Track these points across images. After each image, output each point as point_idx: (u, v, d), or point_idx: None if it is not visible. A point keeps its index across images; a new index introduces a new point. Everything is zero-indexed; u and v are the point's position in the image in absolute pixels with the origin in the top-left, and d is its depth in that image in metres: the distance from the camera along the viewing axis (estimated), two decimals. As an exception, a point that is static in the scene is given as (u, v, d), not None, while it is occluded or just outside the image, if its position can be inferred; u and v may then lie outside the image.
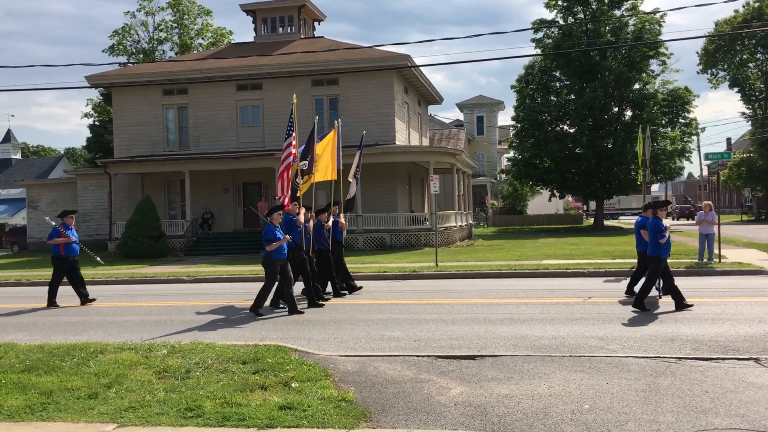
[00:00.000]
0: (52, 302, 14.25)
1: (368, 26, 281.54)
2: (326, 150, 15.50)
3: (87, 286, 14.87)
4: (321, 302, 12.89)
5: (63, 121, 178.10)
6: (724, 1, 16.15)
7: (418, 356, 7.97)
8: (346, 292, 14.54)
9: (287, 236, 12.20)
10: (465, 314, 11.30)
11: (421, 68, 33.96)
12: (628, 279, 13.60)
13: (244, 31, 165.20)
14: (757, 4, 56.68)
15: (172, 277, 19.76)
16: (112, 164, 31.99)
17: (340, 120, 19.40)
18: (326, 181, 15.90)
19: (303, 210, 13.36)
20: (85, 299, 14.40)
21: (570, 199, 75.20)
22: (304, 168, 14.19)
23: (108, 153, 39.78)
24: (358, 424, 5.62)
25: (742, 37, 57.05)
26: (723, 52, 59.60)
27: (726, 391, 6.24)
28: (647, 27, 44.88)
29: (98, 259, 15.43)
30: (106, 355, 8.14)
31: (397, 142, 31.67)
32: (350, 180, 17.43)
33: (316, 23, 39.33)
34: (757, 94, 61.10)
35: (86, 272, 22.01)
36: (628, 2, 46.14)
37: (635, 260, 18.93)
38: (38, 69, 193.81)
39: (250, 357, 7.80)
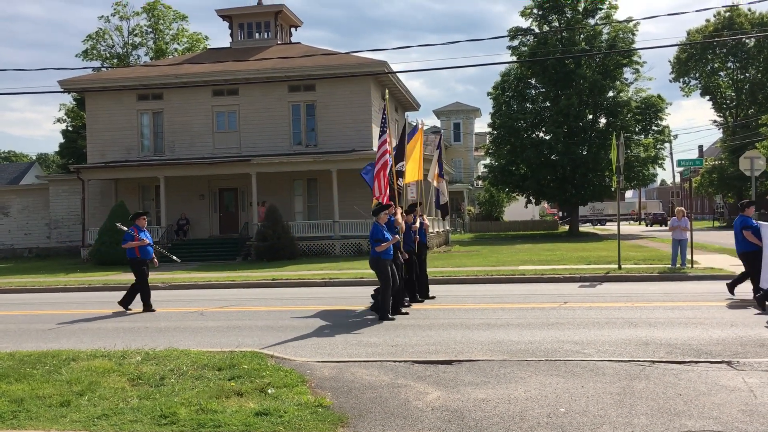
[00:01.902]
0: (148, 307, 13.72)
1: (346, 33, 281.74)
2: (414, 151, 15.07)
3: (58, 293, 14.62)
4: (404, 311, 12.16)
5: (36, 126, 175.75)
6: (696, 11, 16.44)
7: (395, 361, 7.96)
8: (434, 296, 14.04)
9: (396, 236, 11.93)
10: (442, 319, 11.31)
11: (398, 75, 34.07)
12: (605, 284, 13.69)
13: (220, 36, 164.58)
14: (728, 14, 57.84)
15: (146, 283, 19.52)
16: (85, 170, 31.61)
17: (422, 120, 18.98)
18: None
19: (400, 210, 12.98)
20: (147, 307, 13.84)
21: (546, 205, 75.88)
22: (402, 169, 13.92)
23: (81, 159, 39.29)
24: (335, 430, 5.59)
25: (713, 46, 58.14)
26: (695, 60, 60.67)
27: (699, 393, 6.31)
28: (621, 36, 45.52)
29: (174, 257, 14.98)
30: (78, 363, 8.01)
31: (375, 148, 31.64)
32: (435, 184, 16.71)
33: (293, 29, 39.29)
34: (728, 102, 62.27)
35: (58, 278, 21.78)
36: (602, 11, 46.77)
37: (609, 266, 19.20)
38: (10, 73, 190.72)
39: (226, 363, 7.73)
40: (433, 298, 14.02)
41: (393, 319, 11.30)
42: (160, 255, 14.88)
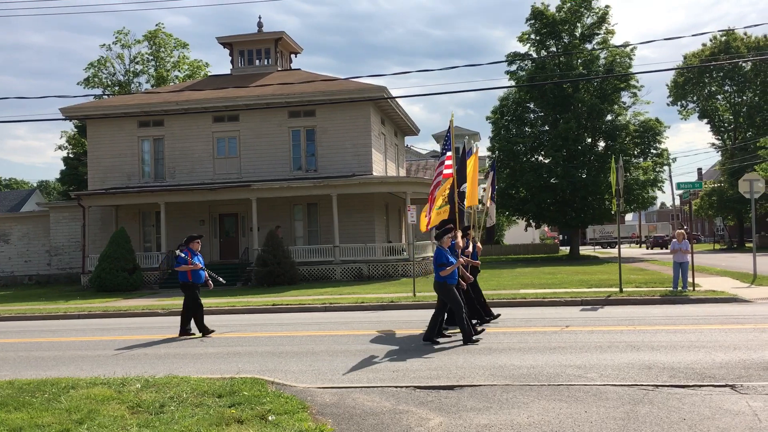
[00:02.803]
0: (204, 328, 13.69)
1: (346, 59, 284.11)
2: (472, 174, 14.91)
3: (58, 321, 14.56)
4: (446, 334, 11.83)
5: (38, 154, 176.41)
6: (693, 35, 16.62)
7: (396, 387, 7.91)
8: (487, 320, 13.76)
9: (461, 259, 11.82)
10: (443, 344, 11.24)
11: (397, 100, 34.31)
12: (606, 307, 13.64)
13: (221, 63, 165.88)
14: (723, 38, 58.34)
15: (146, 310, 19.48)
16: (85, 196, 31.66)
17: (477, 144, 18.94)
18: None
19: (460, 234, 12.82)
20: (203, 331, 13.78)
21: (546, 228, 75.89)
22: (464, 191, 13.80)
23: (82, 185, 39.41)
24: (337, 457, 5.54)
25: (710, 70, 58.56)
26: (692, 84, 61.09)
27: (703, 417, 6.26)
28: (618, 60, 45.90)
29: (221, 279, 14.90)
30: (77, 390, 7.96)
31: (374, 173, 31.80)
32: (487, 205, 16.45)
33: (293, 56, 39.63)
34: (726, 125, 62.54)
35: (58, 306, 21.70)
36: (599, 36, 47.21)
37: (611, 289, 19.14)
38: (12, 101, 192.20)
39: (226, 390, 7.68)
40: (498, 315, 13.89)
41: (476, 342, 11.02)
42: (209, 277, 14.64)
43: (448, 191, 13.57)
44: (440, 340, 11.44)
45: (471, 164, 14.91)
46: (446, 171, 13.47)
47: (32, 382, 8.59)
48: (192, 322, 13.90)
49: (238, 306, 19.35)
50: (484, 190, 16.27)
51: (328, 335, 13.07)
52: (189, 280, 13.86)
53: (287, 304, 19.22)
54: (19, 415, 6.99)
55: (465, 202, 14.16)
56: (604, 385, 7.67)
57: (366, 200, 31.68)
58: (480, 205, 16.33)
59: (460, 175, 13.90)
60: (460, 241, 12.51)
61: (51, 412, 7.11)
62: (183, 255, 13.84)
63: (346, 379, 8.69)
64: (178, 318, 17.85)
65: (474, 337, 11.21)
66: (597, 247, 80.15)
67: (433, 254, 11.60)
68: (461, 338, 11.29)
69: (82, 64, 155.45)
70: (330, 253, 29.67)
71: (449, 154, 13.58)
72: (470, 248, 13.49)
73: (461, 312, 11.19)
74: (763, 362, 8.78)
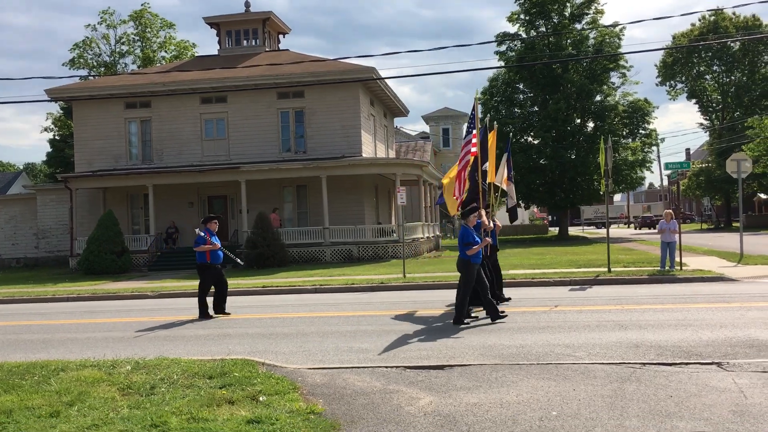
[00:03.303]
0: (205, 313, 13.44)
1: (335, 39, 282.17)
2: (490, 152, 14.81)
3: (47, 303, 14.50)
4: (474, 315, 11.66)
5: (23, 136, 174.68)
6: (681, 15, 16.59)
7: (386, 367, 7.95)
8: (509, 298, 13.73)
9: (487, 239, 11.72)
10: (433, 324, 11.30)
11: (387, 81, 34.15)
12: (595, 287, 13.74)
13: (208, 44, 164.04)
14: (712, 18, 58.35)
15: (136, 292, 19.44)
16: (73, 179, 31.42)
17: (496, 123, 18.69)
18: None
19: (485, 212, 12.75)
20: (221, 311, 13.65)
21: (535, 209, 76.13)
22: (486, 169, 13.75)
23: (69, 168, 39.08)
24: (327, 437, 5.57)
25: (699, 50, 58.64)
26: (681, 64, 61.16)
27: (690, 395, 6.34)
28: (607, 40, 45.86)
29: (239, 260, 14.72)
30: (67, 373, 7.95)
31: (364, 155, 31.72)
32: (505, 187, 16.26)
33: (281, 36, 39.28)
34: (714, 105, 62.76)
35: (46, 288, 21.62)
36: (589, 16, 47.09)
37: (599, 269, 19.27)
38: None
39: (217, 371, 7.69)
40: (508, 299, 13.79)
41: (467, 324, 11.00)
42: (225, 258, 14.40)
43: (468, 169, 13.54)
44: (467, 320, 11.27)
45: (490, 141, 14.89)
46: (473, 149, 13.44)
47: (21, 364, 8.57)
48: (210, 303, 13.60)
49: (228, 288, 19.29)
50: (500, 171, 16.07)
51: (319, 317, 13.10)
52: (207, 261, 13.56)
53: (277, 286, 19.23)
54: (8, 398, 6.98)
55: (486, 181, 14.12)
56: (592, 363, 7.75)
57: (356, 182, 31.63)
58: (501, 185, 16.23)
59: (483, 153, 13.88)
60: (485, 219, 12.44)
61: (41, 394, 7.11)
62: (202, 234, 13.54)
63: (336, 360, 8.72)
64: (168, 300, 17.92)
65: (466, 320, 11.21)
66: (591, 227, 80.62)
67: (459, 233, 11.39)
68: (454, 317, 11.34)
69: (67, 44, 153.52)
70: (320, 235, 29.66)
71: (474, 132, 13.54)
72: (491, 225, 13.28)
73: (466, 297, 11.18)
74: (748, 340, 8.88)
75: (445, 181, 14.66)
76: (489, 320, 11.31)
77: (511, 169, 16.79)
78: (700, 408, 5.94)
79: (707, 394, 6.35)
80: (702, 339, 9.07)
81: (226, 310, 13.76)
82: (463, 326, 10.94)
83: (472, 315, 11.72)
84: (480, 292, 11.37)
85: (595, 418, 5.78)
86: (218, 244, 13.70)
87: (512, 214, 16.95)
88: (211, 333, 11.57)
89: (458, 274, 11.60)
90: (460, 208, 13.42)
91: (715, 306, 12.19)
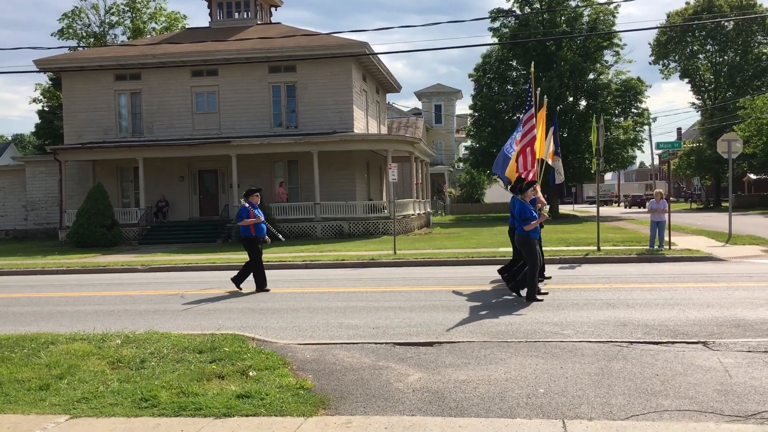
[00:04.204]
0: (262, 284, 13.27)
1: (327, 13, 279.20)
2: (540, 127, 14.74)
3: (36, 276, 14.44)
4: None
5: (12, 107, 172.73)
6: (676, -7, 16.42)
7: (376, 343, 7.99)
8: (550, 276, 13.53)
9: (544, 214, 11.47)
10: (423, 301, 11.36)
11: (379, 56, 33.87)
12: (584, 265, 13.81)
13: (199, 15, 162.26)
14: (707, -3, 58.03)
15: (125, 266, 19.41)
16: (62, 151, 31.16)
17: (546, 97, 18.33)
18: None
19: (538, 188, 12.54)
20: (258, 287, 13.34)
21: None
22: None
23: (58, 140, 38.73)
24: (317, 412, 5.62)
25: (692, 29, 58.41)
26: (674, 43, 60.95)
27: (675, 374, 6.41)
28: (601, 18, 45.59)
29: (280, 236, 14.53)
30: (57, 346, 7.95)
31: (356, 130, 31.58)
32: (551, 162, 16.00)
33: (273, 9, 38.87)
34: (706, 85, 62.71)
35: (35, 261, 21.54)
36: (583, -7, 46.74)
37: (588, 247, 19.37)
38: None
39: (207, 346, 7.71)
40: (549, 277, 13.42)
41: (541, 300, 10.78)
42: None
43: (537, 144, 13.50)
44: (539, 297, 10.98)
45: (540, 116, 14.77)
46: (534, 123, 13.43)
47: (11, 337, 8.57)
48: (252, 275, 13.44)
49: (218, 263, 19.33)
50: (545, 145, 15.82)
51: (309, 292, 13.13)
52: (252, 234, 13.35)
53: (267, 261, 19.10)
54: (-2, 371, 6.98)
55: (538, 156, 14.09)
56: (579, 341, 7.81)
57: (347, 158, 31.53)
58: (547, 159, 16.05)
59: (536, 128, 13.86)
60: (540, 195, 12.24)
61: (30, 367, 7.11)
62: (247, 206, 13.33)
63: (326, 335, 8.76)
64: (158, 274, 17.91)
65: (539, 297, 10.91)
66: (593, 205, 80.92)
67: (515, 207, 11.10)
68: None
69: (56, 14, 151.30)
70: (311, 211, 29.62)
71: (533, 106, 13.48)
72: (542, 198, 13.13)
73: (536, 270, 10.98)
74: (735, 320, 8.98)
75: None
76: (468, 298, 11.35)
77: (558, 143, 16.53)
78: (686, 387, 6.01)
79: (693, 373, 6.43)
80: (689, 318, 9.16)
81: (240, 286, 13.50)
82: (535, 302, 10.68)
83: (542, 292, 11.32)
84: (507, 265, 11.11)
85: (581, 395, 5.85)
86: (261, 217, 13.50)
87: (560, 190, 16.75)
88: (201, 308, 11.59)
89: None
90: (512, 184, 12.93)
91: (702, 285, 12.30)
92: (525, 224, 10.85)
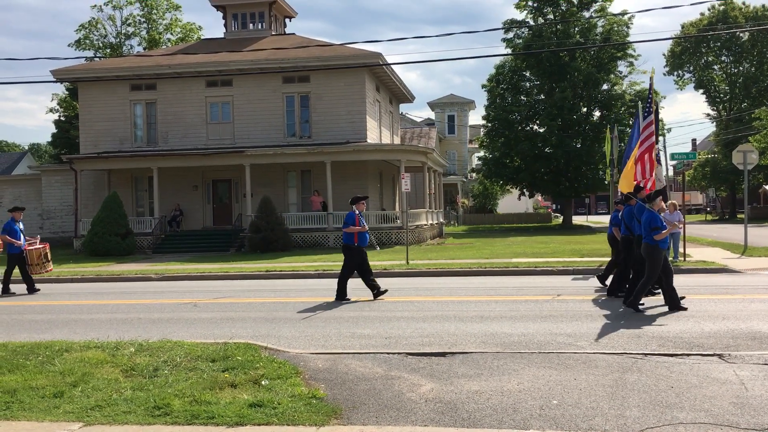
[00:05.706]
0: (343, 294, 12.99)
1: (341, 24, 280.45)
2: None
3: (50, 284, 14.51)
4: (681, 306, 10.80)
5: (29, 116, 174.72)
6: (691, 4, 16.40)
7: (388, 353, 7.97)
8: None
9: (674, 224, 11.20)
10: (435, 312, 11.33)
11: (393, 66, 33.98)
12: (596, 277, 13.71)
13: (214, 26, 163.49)
14: (722, 7, 57.82)
15: (140, 274, 19.51)
16: (78, 160, 31.44)
17: (658, 101, 18.13)
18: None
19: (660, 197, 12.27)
20: (377, 292, 13.01)
21: (540, 198, 75.94)
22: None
23: (74, 149, 39.11)
24: (329, 422, 5.61)
25: (707, 40, 58.20)
26: (689, 54, 60.73)
27: (691, 386, 6.35)
28: (615, 29, 45.55)
29: (377, 246, 14.43)
30: (71, 354, 7.99)
31: (369, 140, 31.65)
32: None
33: (287, 20, 39.11)
34: (721, 96, 62.35)
35: (54, 269, 21.64)
36: (597, 4, 46.76)
37: (603, 258, 19.23)
38: (3, 63, 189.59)
39: (220, 355, 7.72)
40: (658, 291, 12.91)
41: (642, 312, 10.64)
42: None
43: (655, 152, 13.35)
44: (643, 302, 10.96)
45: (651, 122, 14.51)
46: (652, 129, 13.28)
47: (25, 344, 8.62)
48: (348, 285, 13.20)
49: (232, 272, 19.39)
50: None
51: (321, 301, 13.12)
52: (354, 243, 13.00)
53: (280, 271, 19.26)
54: (12, 378, 7.03)
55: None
56: (593, 353, 7.76)
57: (360, 168, 31.58)
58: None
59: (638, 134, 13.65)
60: (662, 204, 11.95)
61: (45, 374, 7.15)
62: (356, 212, 13.02)
63: (338, 345, 8.75)
64: (171, 283, 17.98)
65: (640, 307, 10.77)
66: (597, 216, 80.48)
67: (643, 217, 10.72)
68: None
69: (73, 25, 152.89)
70: (323, 220, 29.67)
71: (651, 117, 13.31)
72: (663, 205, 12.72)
73: (651, 282, 10.79)
74: (751, 332, 8.88)
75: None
76: (480, 308, 11.30)
77: (659, 154, 16.26)
78: (701, 399, 5.95)
79: (708, 385, 6.36)
80: (704, 330, 9.07)
81: (382, 289, 13.15)
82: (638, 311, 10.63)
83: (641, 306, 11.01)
84: (663, 280, 10.86)
85: (595, 407, 5.80)
86: (366, 226, 13.27)
87: (663, 194, 16.37)
88: (214, 316, 11.62)
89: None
90: (629, 192, 12.65)
91: (717, 297, 12.19)
92: (655, 233, 10.52)
